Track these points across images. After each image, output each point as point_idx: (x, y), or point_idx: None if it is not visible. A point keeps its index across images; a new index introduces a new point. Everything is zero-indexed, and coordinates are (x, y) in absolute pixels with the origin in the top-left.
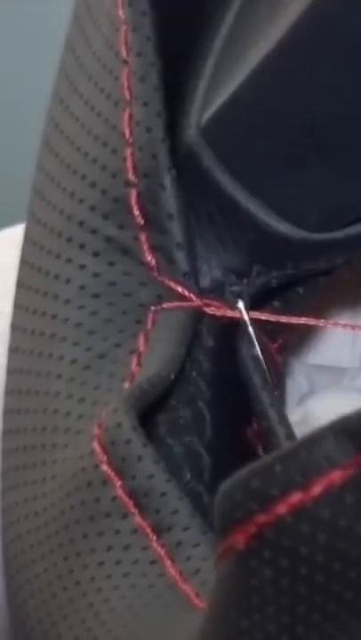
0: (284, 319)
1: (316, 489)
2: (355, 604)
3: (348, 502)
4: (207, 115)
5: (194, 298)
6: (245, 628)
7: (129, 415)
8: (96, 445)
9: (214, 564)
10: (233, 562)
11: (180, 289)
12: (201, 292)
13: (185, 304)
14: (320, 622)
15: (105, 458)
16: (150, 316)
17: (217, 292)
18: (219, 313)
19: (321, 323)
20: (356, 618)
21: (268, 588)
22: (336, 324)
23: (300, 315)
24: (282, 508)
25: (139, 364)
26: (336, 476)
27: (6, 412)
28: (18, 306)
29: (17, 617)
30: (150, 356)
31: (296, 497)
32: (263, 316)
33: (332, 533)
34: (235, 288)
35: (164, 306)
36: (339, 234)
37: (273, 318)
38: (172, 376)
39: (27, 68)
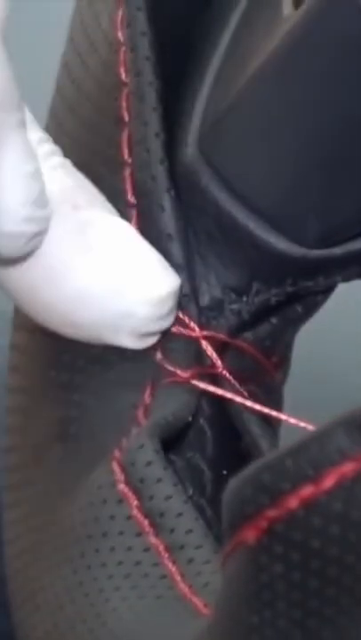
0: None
1: (328, 481)
2: None
3: None
4: (205, 132)
5: (192, 324)
6: (256, 625)
7: (152, 439)
8: (115, 466)
9: (222, 563)
10: (243, 558)
11: (180, 314)
12: (200, 312)
13: (185, 332)
14: (332, 616)
15: (123, 477)
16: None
17: (216, 310)
18: (211, 351)
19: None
20: None
21: (279, 583)
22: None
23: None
24: (293, 502)
25: (152, 394)
26: (348, 468)
27: (9, 430)
28: (17, 326)
29: (21, 630)
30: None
31: (308, 490)
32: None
33: (345, 526)
34: (234, 306)
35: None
36: (338, 250)
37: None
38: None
39: (22, 87)
